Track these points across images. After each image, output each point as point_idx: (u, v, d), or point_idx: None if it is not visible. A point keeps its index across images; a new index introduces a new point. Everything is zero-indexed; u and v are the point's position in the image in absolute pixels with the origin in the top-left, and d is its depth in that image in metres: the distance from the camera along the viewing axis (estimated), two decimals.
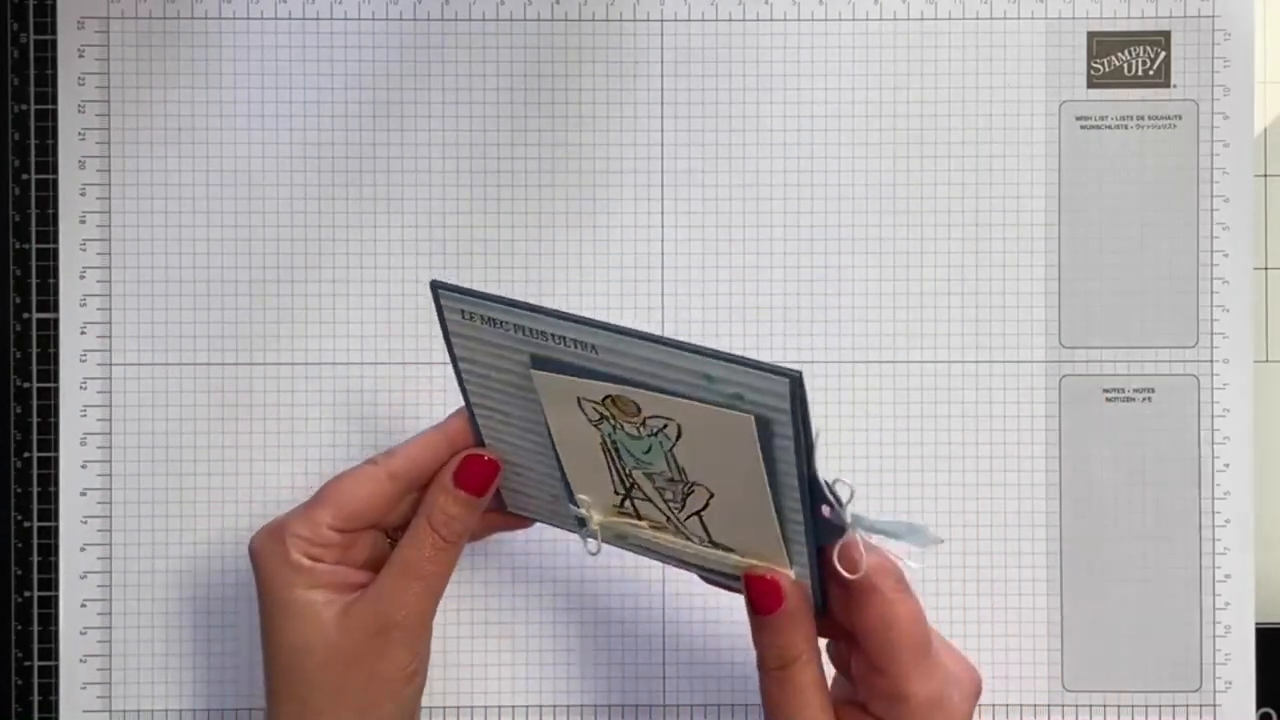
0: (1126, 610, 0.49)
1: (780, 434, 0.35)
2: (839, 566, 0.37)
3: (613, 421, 0.38)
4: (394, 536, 0.42)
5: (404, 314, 0.49)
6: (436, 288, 0.38)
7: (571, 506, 0.41)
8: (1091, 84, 0.49)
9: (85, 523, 0.49)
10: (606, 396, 0.37)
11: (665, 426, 0.37)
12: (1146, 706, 0.49)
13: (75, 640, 0.48)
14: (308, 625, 0.40)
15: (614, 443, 0.38)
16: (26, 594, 0.49)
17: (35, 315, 0.49)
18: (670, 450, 0.37)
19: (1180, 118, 0.49)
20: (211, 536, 0.49)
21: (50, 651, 0.49)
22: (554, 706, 0.49)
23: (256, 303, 0.49)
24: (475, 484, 0.41)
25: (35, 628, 0.49)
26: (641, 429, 0.37)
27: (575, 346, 0.36)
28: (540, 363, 0.37)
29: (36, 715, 0.49)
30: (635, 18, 0.49)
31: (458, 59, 0.49)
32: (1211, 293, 0.49)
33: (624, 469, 0.39)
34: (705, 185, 0.49)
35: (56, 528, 0.49)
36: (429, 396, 0.49)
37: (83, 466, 0.49)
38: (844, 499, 0.36)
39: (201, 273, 0.49)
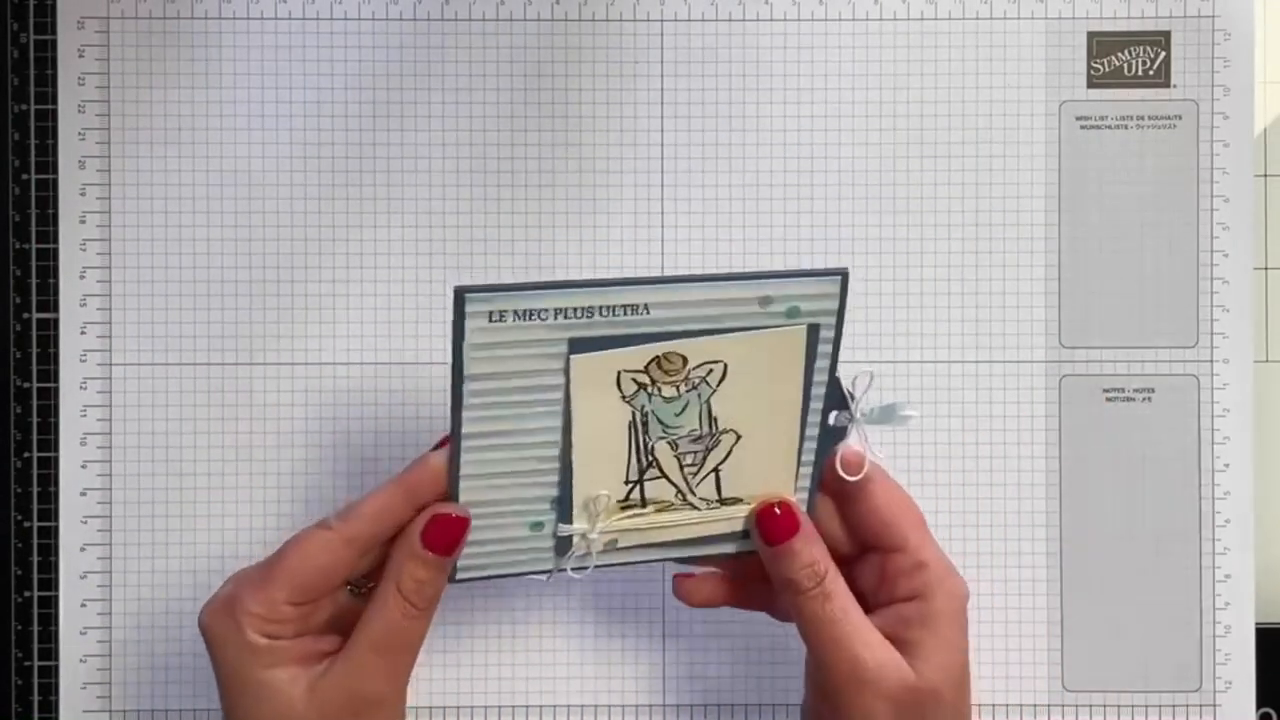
0: (1126, 610, 0.49)
1: (824, 338, 0.39)
2: (841, 471, 0.41)
3: (650, 390, 0.39)
4: (356, 585, 0.41)
5: (404, 314, 0.49)
6: (464, 292, 0.37)
7: (562, 526, 0.41)
8: (1091, 84, 0.49)
9: (85, 523, 0.49)
10: (651, 360, 0.39)
11: (710, 373, 0.40)
12: (1146, 706, 0.49)
13: (75, 640, 0.48)
14: (274, 705, 0.38)
15: (644, 415, 0.40)
16: (26, 594, 0.49)
17: (35, 315, 0.49)
18: (708, 400, 0.40)
19: (1180, 118, 0.49)
20: (212, 536, 0.49)
21: (50, 651, 0.49)
22: (554, 706, 0.49)
23: (256, 303, 0.49)
24: (444, 544, 0.39)
25: (35, 628, 0.49)
26: (681, 387, 0.40)
27: (625, 313, 0.38)
28: (580, 345, 0.38)
29: (36, 715, 0.49)
30: (635, 18, 0.49)
31: (458, 59, 0.49)
32: (1211, 293, 0.49)
33: (646, 445, 0.40)
34: (705, 185, 0.49)
35: (56, 528, 0.49)
36: (429, 396, 0.49)
37: (83, 466, 0.49)
38: (859, 392, 0.41)
39: (201, 273, 0.49)
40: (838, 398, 0.41)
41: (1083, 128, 0.49)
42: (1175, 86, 0.49)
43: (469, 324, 0.37)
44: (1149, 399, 0.49)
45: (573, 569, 0.41)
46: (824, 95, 0.49)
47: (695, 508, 0.42)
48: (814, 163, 0.49)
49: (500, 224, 0.49)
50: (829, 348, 0.40)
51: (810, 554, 0.41)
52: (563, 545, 0.41)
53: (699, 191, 0.49)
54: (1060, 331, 0.49)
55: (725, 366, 0.39)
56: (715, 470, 0.41)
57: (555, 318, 0.37)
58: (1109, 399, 0.49)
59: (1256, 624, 0.49)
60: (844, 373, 0.41)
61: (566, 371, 0.38)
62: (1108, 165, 0.49)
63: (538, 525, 0.41)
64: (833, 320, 0.39)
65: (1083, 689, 0.49)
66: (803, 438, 0.41)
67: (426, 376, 0.49)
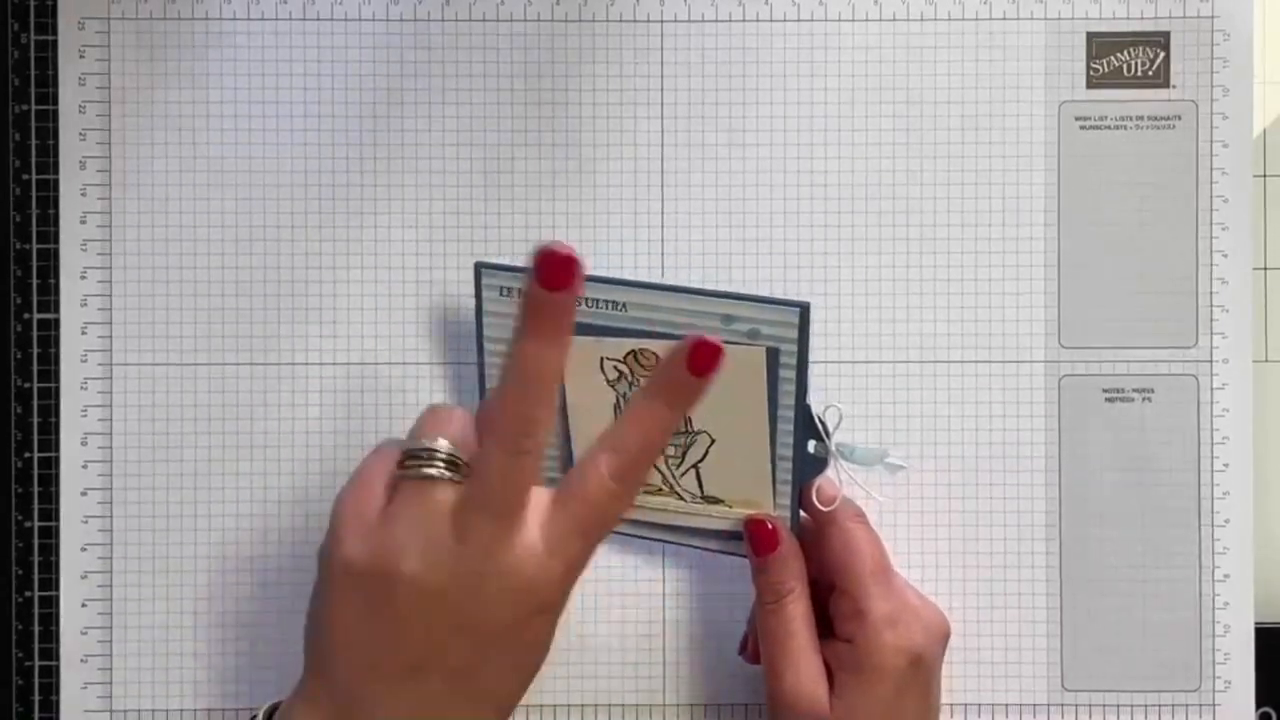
0: (1126, 610, 0.49)
1: (785, 364, 0.42)
2: (815, 500, 0.43)
3: (630, 379, 0.44)
4: None
5: (404, 314, 0.49)
6: (481, 267, 0.44)
7: None
8: (1091, 84, 0.49)
9: (85, 523, 0.49)
10: (629, 352, 0.43)
11: None
12: (1146, 706, 0.49)
13: (75, 640, 0.48)
14: None
15: (627, 402, 0.44)
16: (27, 594, 0.49)
17: (36, 315, 0.49)
18: None
19: (1180, 118, 0.49)
20: (212, 537, 0.49)
21: (50, 651, 0.49)
22: (554, 706, 0.49)
23: (257, 303, 0.49)
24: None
25: (35, 628, 0.49)
26: None
27: (607, 306, 0.43)
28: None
29: (37, 715, 0.49)
30: (635, 18, 0.49)
31: (458, 59, 0.49)
32: (1211, 293, 0.49)
33: None
34: (705, 185, 0.49)
35: (57, 528, 0.49)
36: (429, 396, 0.49)
37: (83, 466, 0.49)
38: (831, 426, 0.43)
39: (202, 273, 0.49)
40: (813, 427, 0.44)
41: (1082, 128, 0.49)
42: (1174, 87, 0.49)
43: (485, 294, 0.44)
44: (1149, 399, 0.49)
45: None
46: (824, 95, 0.49)
47: (681, 497, 0.45)
48: (813, 163, 0.49)
49: (500, 224, 0.49)
50: (792, 373, 0.42)
51: (779, 573, 0.44)
52: None
53: (698, 191, 0.49)
54: (1060, 332, 0.49)
55: None
56: (695, 467, 0.45)
57: None
58: (1109, 399, 0.49)
59: (1256, 624, 0.49)
60: (817, 403, 0.43)
61: None
62: (1107, 165, 0.49)
63: (550, 481, 0.45)
64: (793, 347, 0.42)
65: (1083, 689, 0.49)
66: (774, 456, 0.44)
67: (426, 376, 0.49)
